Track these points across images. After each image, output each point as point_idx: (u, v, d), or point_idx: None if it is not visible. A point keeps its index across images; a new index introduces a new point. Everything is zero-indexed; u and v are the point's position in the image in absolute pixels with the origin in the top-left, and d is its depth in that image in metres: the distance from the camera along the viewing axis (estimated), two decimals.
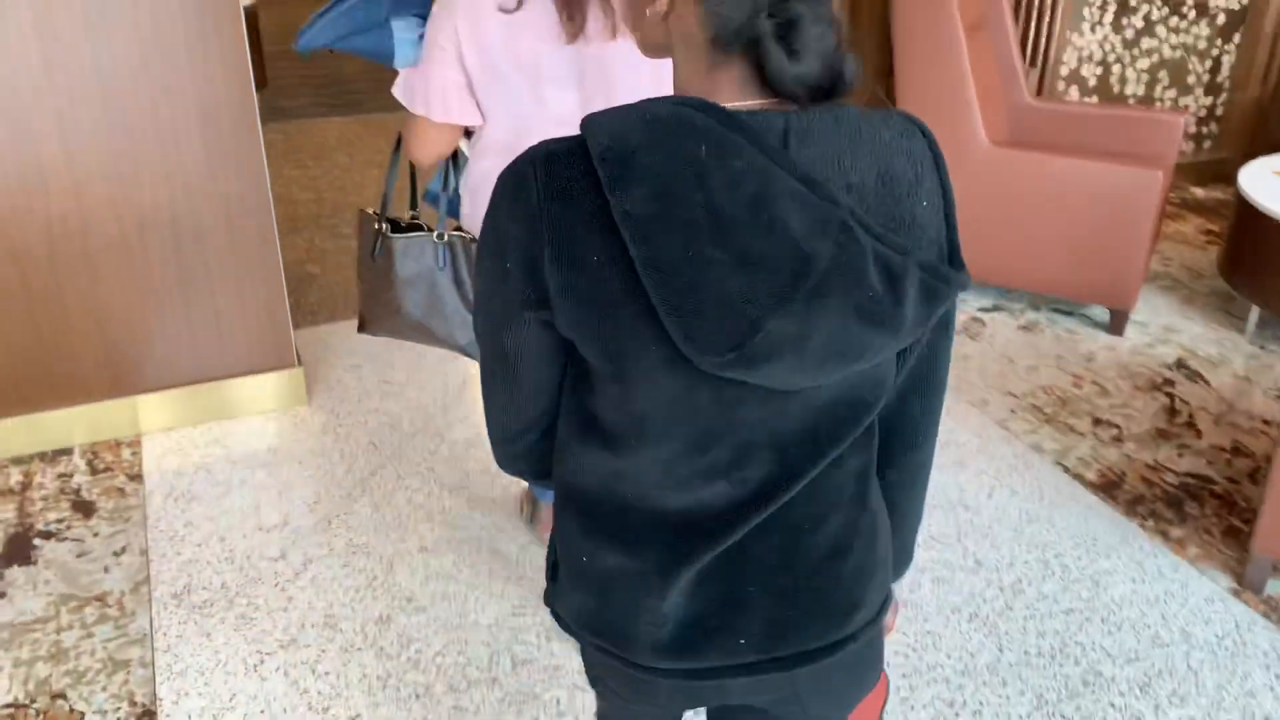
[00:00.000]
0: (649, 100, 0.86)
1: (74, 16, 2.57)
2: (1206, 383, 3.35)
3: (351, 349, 3.47)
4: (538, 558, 2.55)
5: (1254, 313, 3.59)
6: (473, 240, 1.98)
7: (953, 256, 0.94)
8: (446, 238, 1.99)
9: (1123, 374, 3.39)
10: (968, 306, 3.78)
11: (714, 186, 0.82)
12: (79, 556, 2.53)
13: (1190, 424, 3.13)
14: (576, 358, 0.96)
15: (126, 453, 2.94)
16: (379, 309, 2.10)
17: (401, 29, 1.83)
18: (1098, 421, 3.14)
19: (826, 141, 0.87)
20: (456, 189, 2.01)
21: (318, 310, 3.72)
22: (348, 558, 2.55)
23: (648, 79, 1.64)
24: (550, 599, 1.14)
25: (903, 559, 1.21)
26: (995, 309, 3.79)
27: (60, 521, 2.65)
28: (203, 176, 2.85)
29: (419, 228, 2.04)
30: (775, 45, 0.85)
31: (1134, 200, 3.39)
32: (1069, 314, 3.76)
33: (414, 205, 2.14)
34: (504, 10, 1.67)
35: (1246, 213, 3.54)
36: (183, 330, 2.99)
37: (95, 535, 2.60)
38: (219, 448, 2.98)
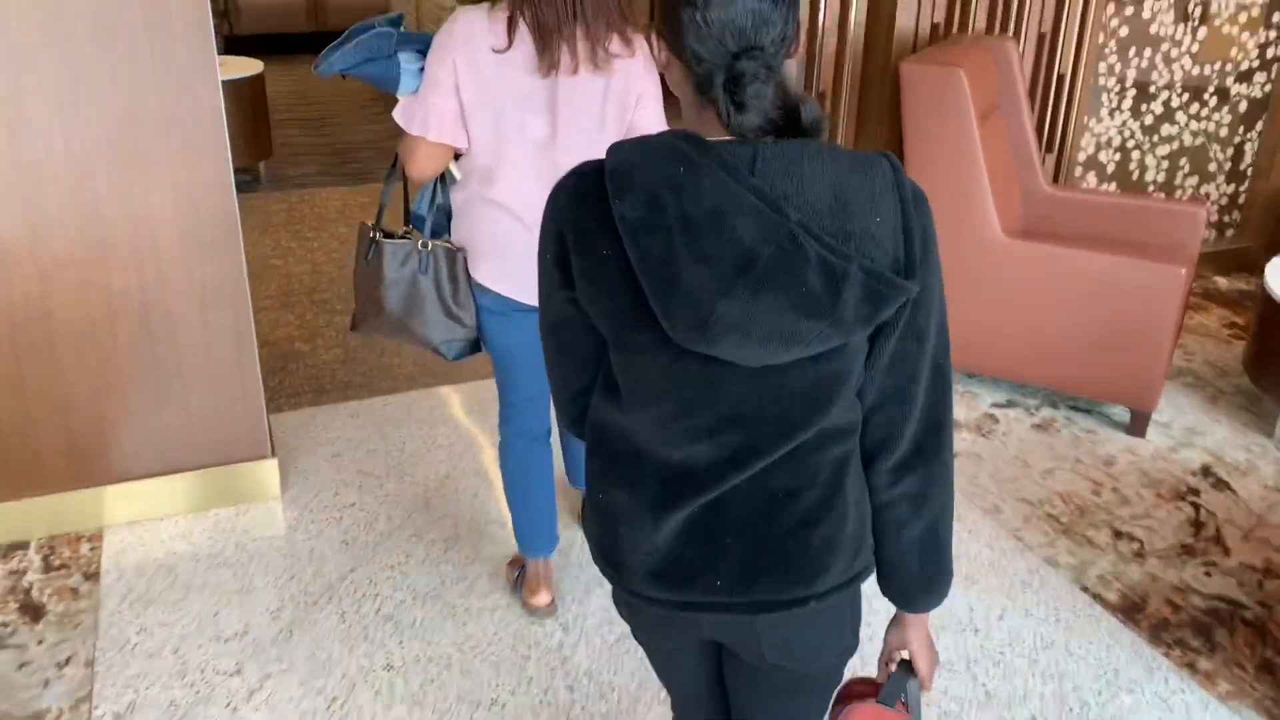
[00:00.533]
0: (656, 134, 1.11)
1: (43, 94, 2.47)
2: (1234, 492, 3.15)
3: (332, 435, 3.32)
4: (511, 679, 2.36)
5: None
6: (454, 251, 2.25)
7: (907, 267, 1.10)
8: (430, 246, 2.25)
9: (1144, 481, 3.20)
10: (980, 402, 3.61)
11: (686, 199, 1.04)
12: (19, 668, 2.36)
13: (1218, 539, 2.94)
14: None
15: (86, 548, 2.77)
16: (368, 306, 2.35)
17: (407, 61, 2.15)
18: (1118, 534, 2.94)
19: (786, 167, 1.07)
20: (446, 205, 2.31)
21: (301, 392, 3.58)
22: (308, 675, 2.36)
23: (598, 105, 2.08)
24: (586, 533, 1.37)
25: (934, 584, 1.30)
26: (1009, 405, 3.61)
27: (5, 626, 2.48)
28: (176, 262, 2.73)
29: (408, 236, 2.34)
30: (725, 97, 1.08)
31: (1156, 297, 3.23)
32: (1087, 412, 3.58)
33: (406, 221, 2.41)
34: (496, 50, 2.02)
35: (1273, 311, 3.37)
36: (151, 419, 2.85)
37: (40, 643, 2.43)
38: (184, 543, 2.82)
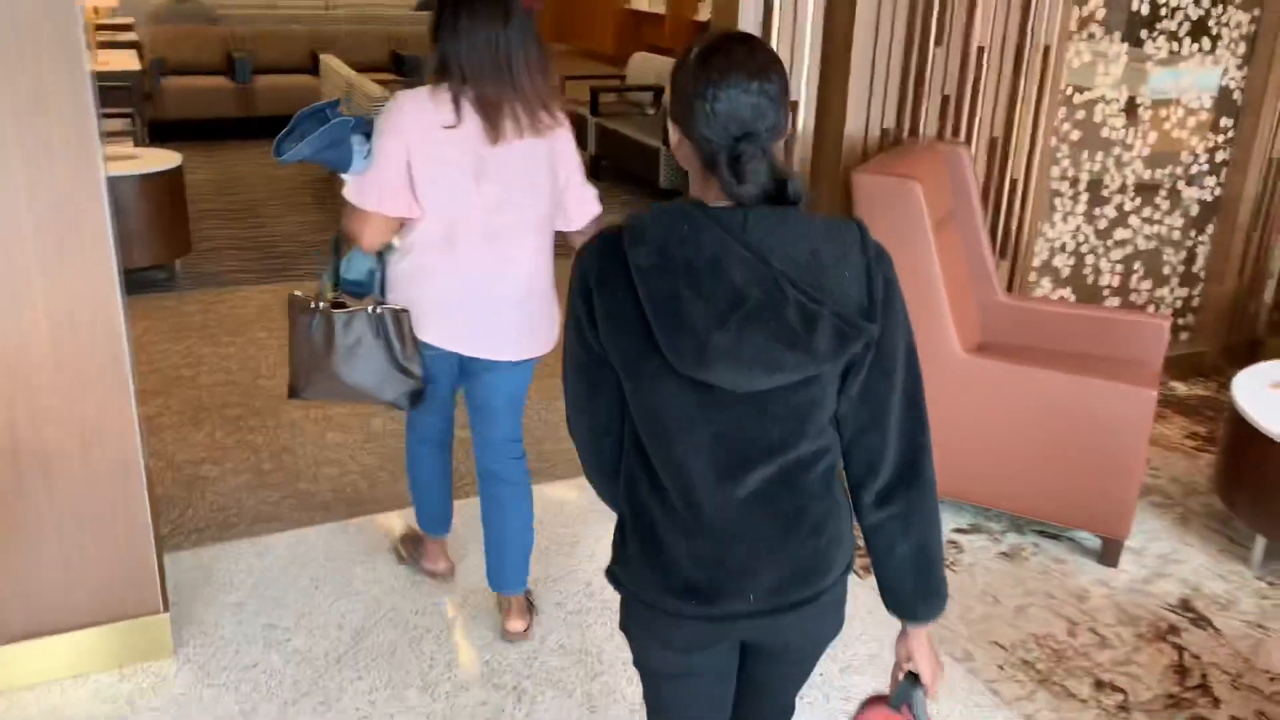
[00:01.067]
0: (667, 202, 1.33)
1: None
2: (1216, 630, 2.94)
3: (237, 580, 2.98)
4: None
5: (1259, 543, 3.22)
6: (400, 312, 2.40)
7: (869, 312, 1.32)
8: (379, 311, 2.41)
9: (1122, 617, 2.98)
10: (942, 527, 3.38)
11: (690, 250, 1.29)
12: None
13: (1204, 687, 2.71)
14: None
15: None
16: (315, 374, 2.49)
17: (358, 143, 2.33)
18: (1099, 684, 2.71)
19: (772, 229, 1.30)
20: (383, 275, 2.46)
21: (205, 527, 3.24)
22: None
23: (541, 166, 2.34)
24: (612, 566, 1.54)
25: (929, 596, 1.48)
26: (974, 530, 3.39)
27: None
28: (53, 398, 2.41)
29: (343, 305, 2.46)
30: (727, 173, 1.30)
31: (1125, 420, 3.05)
32: (1056, 538, 3.37)
33: (336, 287, 2.52)
34: (446, 127, 2.22)
35: (1243, 431, 3.21)
36: (21, 575, 2.50)
37: None
38: (56, 717, 2.45)
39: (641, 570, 1.48)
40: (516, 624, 2.73)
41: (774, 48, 3.06)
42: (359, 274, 2.49)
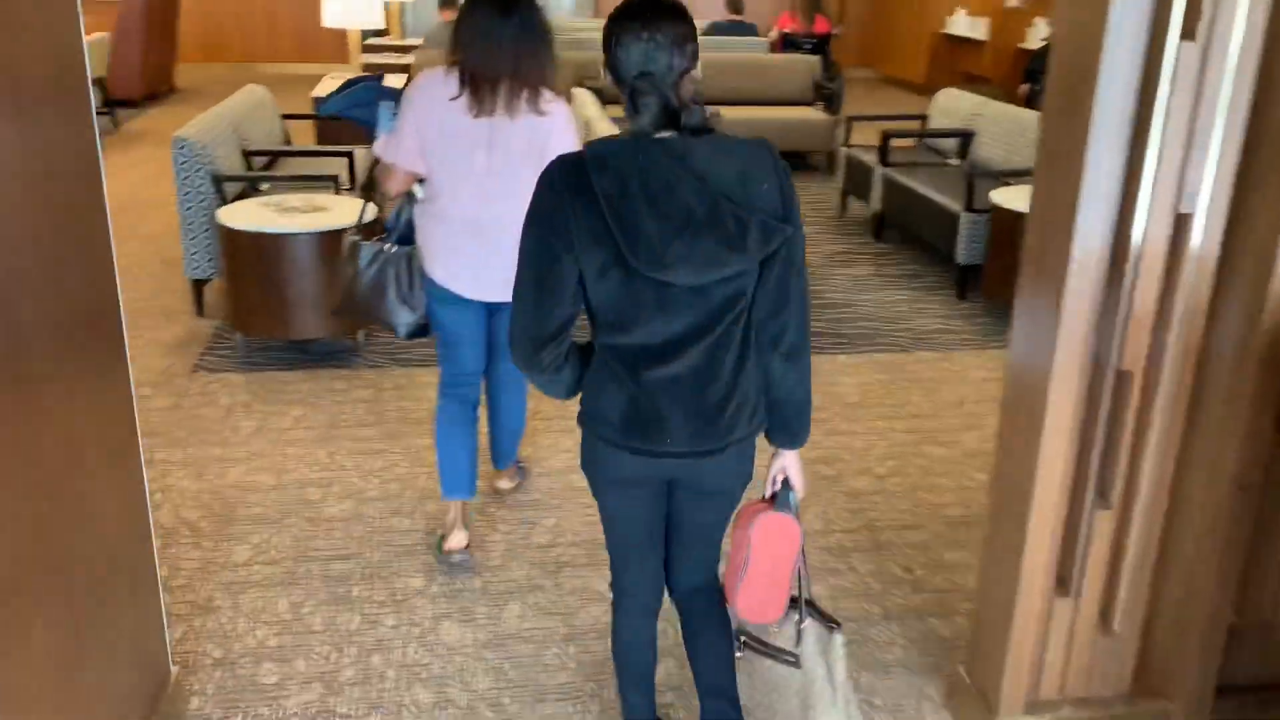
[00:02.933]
0: (619, 134, 1.78)
1: None
2: None
3: None
4: None
5: None
6: (410, 254, 2.99)
7: (785, 215, 1.77)
8: (394, 249, 3.00)
9: None
10: None
11: (647, 178, 1.69)
12: None
13: None
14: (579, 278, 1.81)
15: None
16: (347, 297, 3.09)
17: (385, 108, 2.85)
18: None
19: (709, 155, 1.72)
20: (410, 219, 2.97)
21: None
22: None
23: (523, 144, 2.69)
24: (580, 417, 1.96)
25: (798, 430, 1.99)
26: None
27: None
28: None
29: (378, 242, 3.04)
30: (628, 106, 1.74)
31: None
32: None
33: (381, 228, 3.18)
34: (451, 99, 2.67)
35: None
36: None
37: None
38: None
39: (596, 417, 1.92)
40: (505, 482, 3.52)
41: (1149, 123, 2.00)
42: (391, 217, 3.03)
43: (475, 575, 3.07)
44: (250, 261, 4.36)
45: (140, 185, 7.47)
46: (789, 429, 1.98)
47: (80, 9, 2.05)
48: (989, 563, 2.45)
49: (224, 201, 4.90)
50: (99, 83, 9.50)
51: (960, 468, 3.78)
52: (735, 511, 2.08)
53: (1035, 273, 2.31)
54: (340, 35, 12.01)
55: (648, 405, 1.85)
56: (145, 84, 10.81)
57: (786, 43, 10.29)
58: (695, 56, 1.74)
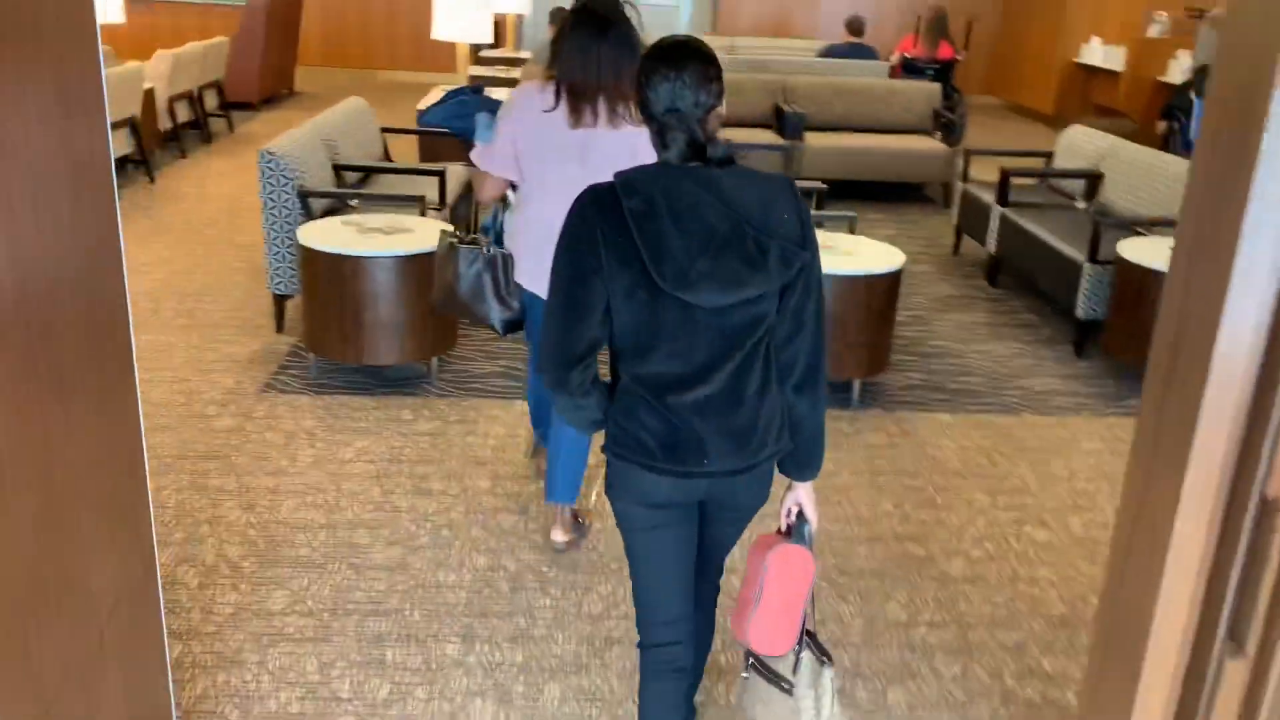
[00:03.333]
0: (647, 164, 1.88)
1: None
2: None
3: None
4: None
5: None
6: (507, 255, 3.17)
7: (803, 243, 1.85)
8: (492, 251, 3.19)
9: None
10: None
11: (672, 199, 1.80)
12: None
13: None
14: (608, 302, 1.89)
15: None
16: (445, 294, 3.28)
17: (482, 119, 3.04)
18: None
19: (730, 182, 1.84)
20: (502, 224, 3.20)
21: None
22: None
23: (614, 155, 2.55)
24: (606, 442, 2.01)
25: (810, 460, 2.04)
26: None
27: None
28: None
29: (476, 243, 3.23)
30: (655, 139, 1.88)
31: None
32: None
33: (473, 230, 3.75)
34: (545, 111, 2.83)
35: None
36: None
37: None
38: None
39: (629, 442, 1.95)
40: (560, 534, 3.28)
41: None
42: (487, 221, 3.25)
43: (518, 646, 2.84)
44: (326, 282, 4.24)
45: (243, 191, 7.51)
46: (801, 460, 2.04)
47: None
48: (1090, 709, 2.11)
49: (309, 217, 4.81)
50: (217, 85, 9.67)
51: (1065, 556, 3.41)
52: (751, 540, 2.18)
53: (1168, 367, 1.95)
54: (452, 46, 12.06)
55: (684, 427, 1.91)
56: (263, 87, 11.00)
57: (907, 68, 9.88)
58: (721, 95, 1.87)
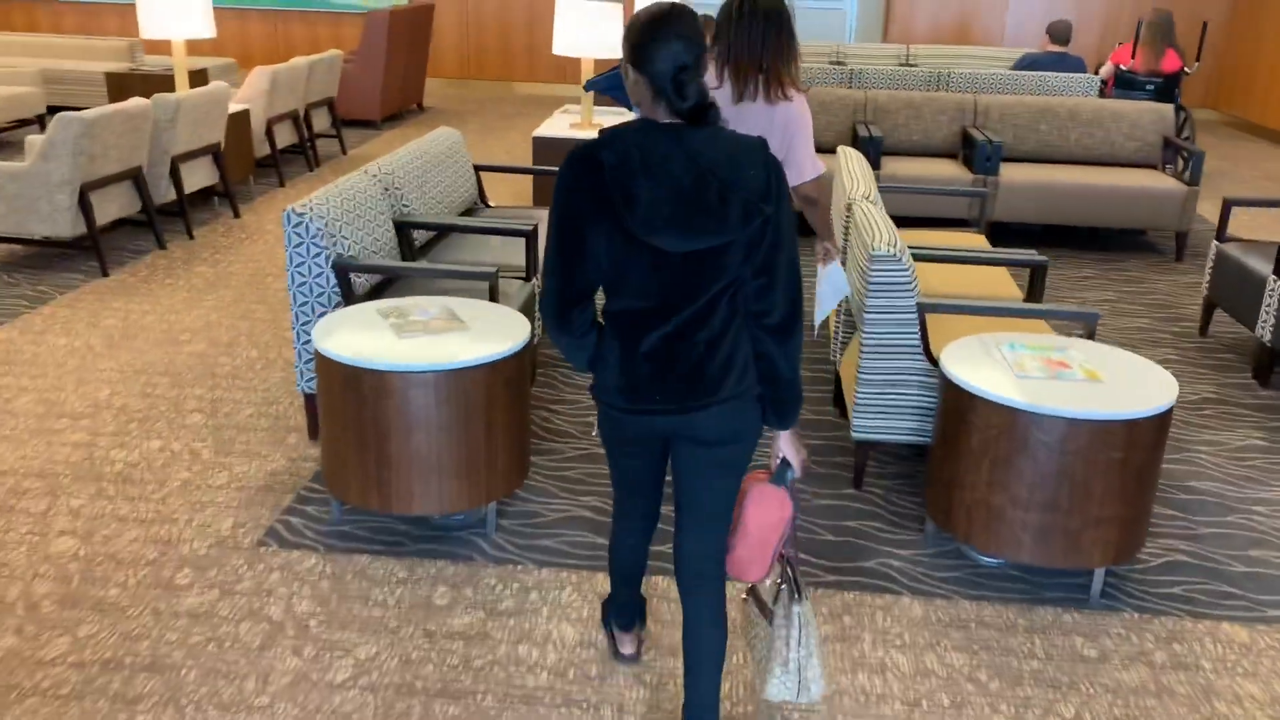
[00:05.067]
0: (629, 121, 2.03)
1: None
2: None
3: None
4: None
5: None
6: None
7: (767, 198, 2.01)
8: None
9: None
10: None
11: (646, 153, 1.97)
12: None
13: None
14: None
15: None
16: None
17: None
18: None
19: (703, 139, 1.99)
20: None
21: None
22: None
23: (768, 127, 3.08)
24: (590, 389, 2.22)
25: (788, 408, 2.18)
26: None
27: None
28: None
29: None
30: (673, 94, 1.99)
31: None
32: None
33: None
34: (712, 89, 2.68)
35: None
36: None
37: None
38: None
39: (601, 385, 2.17)
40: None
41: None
42: None
43: None
44: (343, 402, 3.08)
45: None
46: (778, 408, 2.18)
47: None
48: None
49: (349, 297, 3.68)
50: (328, 103, 8.81)
51: None
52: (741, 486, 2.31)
53: None
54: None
55: (638, 368, 2.11)
56: (387, 104, 10.12)
57: (1121, 82, 8.18)
58: (705, 63, 2.04)
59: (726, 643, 2.29)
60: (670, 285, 2.03)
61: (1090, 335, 3.49)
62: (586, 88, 3.65)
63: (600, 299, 2.14)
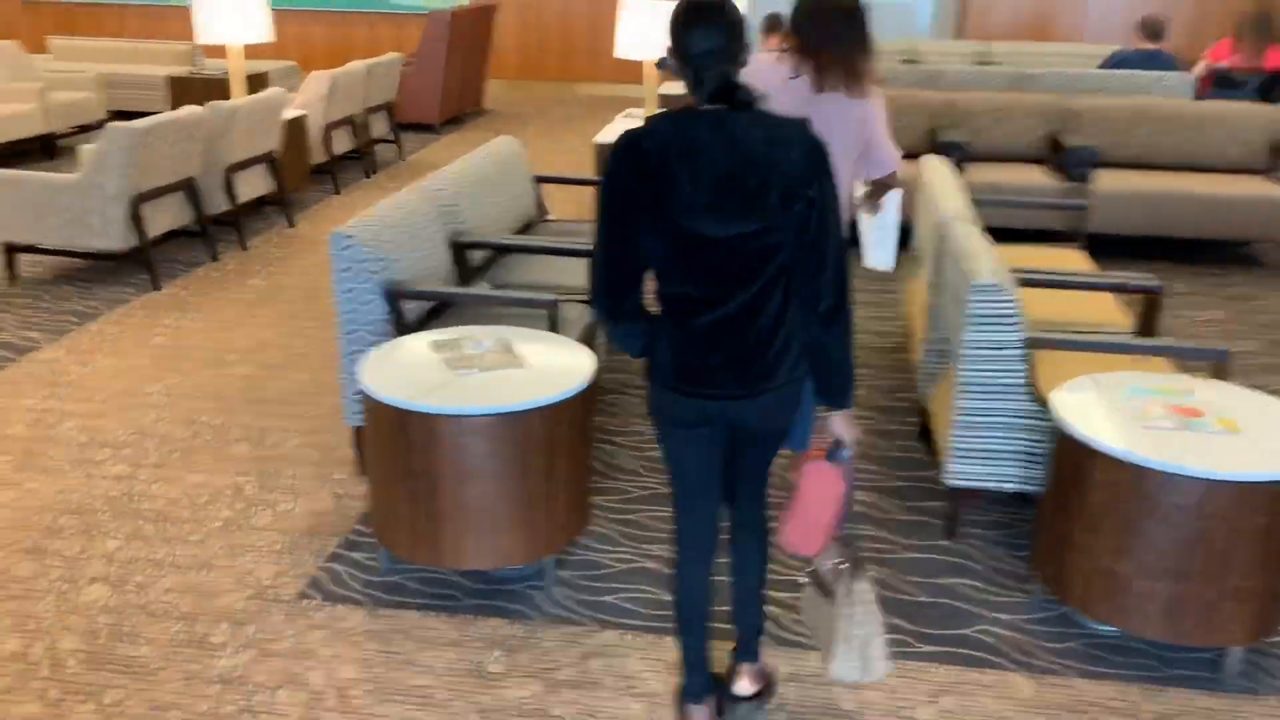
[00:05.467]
0: (671, 109, 2.04)
1: None
2: None
3: None
4: None
5: None
6: None
7: (809, 181, 2.00)
8: None
9: None
10: None
11: (685, 140, 1.99)
12: None
13: None
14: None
15: None
16: None
17: None
18: None
19: (742, 123, 2.00)
20: None
21: None
22: None
23: (847, 119, 2.98)
24: (644, 370, 2.24)
25: (840, 389, 2.18)
26: None
27: None
28: None
29: None
30: (692, 79, 2.01)
31: None
32: None
33: None
34: (790, 79, 2.98)
35: None
36: None
37: None
38: None
39: (656, 365, 2.18)
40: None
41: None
42: None
43: None
44: (390, 445, 2.83)
45: None
46: (830, 390, 2.19)
47: None
48: None
49: (401, 326, 3.44)
50: (387, 108, 8.63)
51: None
52: (796, 458, 2.41)
53: None
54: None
55: (693, 352, 2.12)
56: (446, 107, 9.93)
57: (1219, 81, 7.67)
58: (745, 48, 2.03)
59: (767, 562, 2.49)
60: (718, 270, 2.05)
61: (1219, 375, 3.12)
62: (659, 66, 3.45)
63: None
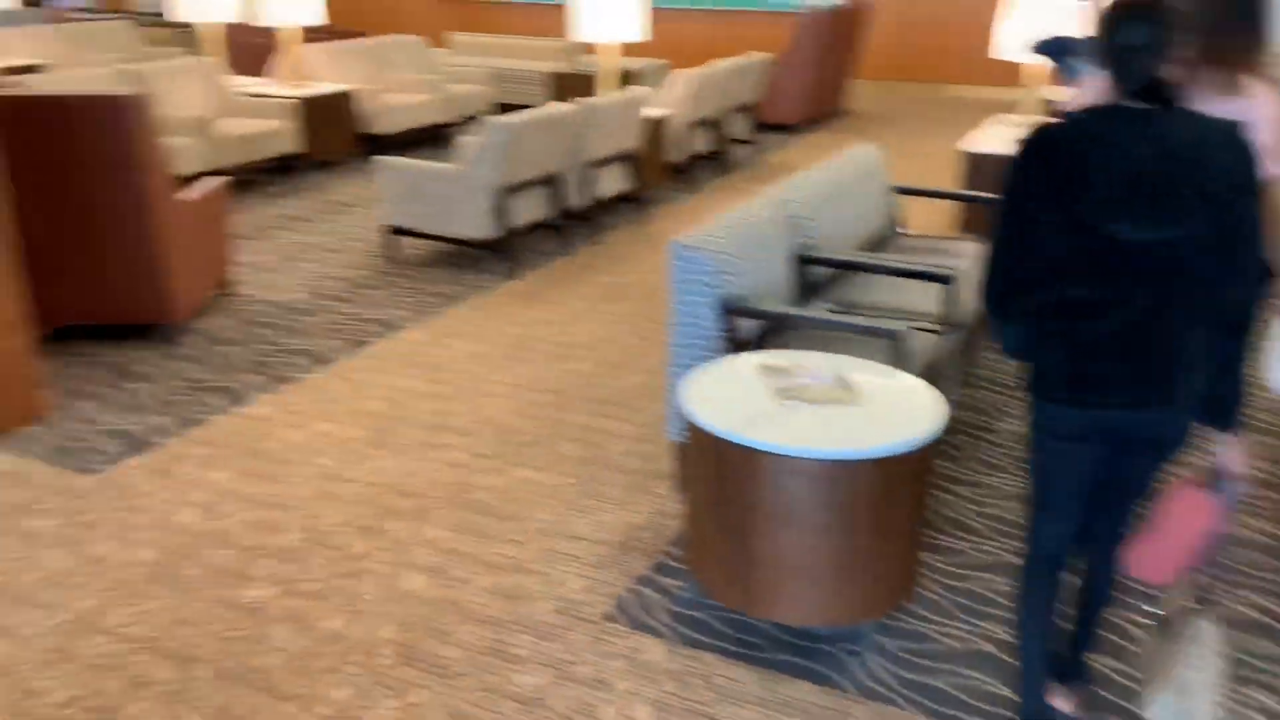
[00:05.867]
0: (1095, 105, 1.97)
1: None
2: None
3: None
4: None
5: None
6: None
7: (1237, 188, 1.91)
8: None
9: None
10: None
11: (1104, 136, 1.91)
12: None
13: None
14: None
15: None
16: None
17: (1072, 61, 3.53)
18: None
19: (1167, 122, 1.90)
20: None
21: None
22: None
23: (1247, 120, 2.40)
24: (1028, 383, 2.13)
25: (1228, 409, 2.07)
26: None
27: None
28: None
29: None
30: (1118, 72, 1.93)
31: None
32: None
33: None
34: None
35: None
36: None
37: None
38: None
39: (1042, 377, 2.09)
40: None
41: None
42: None
43: None
44: (708, 475, 2.65)
45: None
46: (1218, 407, 2.07)
47: None
48: None
49: (737, 344, 3.26)
50: (749, 109, 8.54)
51: None
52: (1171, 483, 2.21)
53: None
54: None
55: (1092, 359, 2.01)
56: (807, 108, 9.72)
57: None
58: (1173, 42, 1.92)
59: (1111, 597, 2.38)
60: (1126, 274, 1.95)
61: None
62: (1036, 50, 3.65)
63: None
